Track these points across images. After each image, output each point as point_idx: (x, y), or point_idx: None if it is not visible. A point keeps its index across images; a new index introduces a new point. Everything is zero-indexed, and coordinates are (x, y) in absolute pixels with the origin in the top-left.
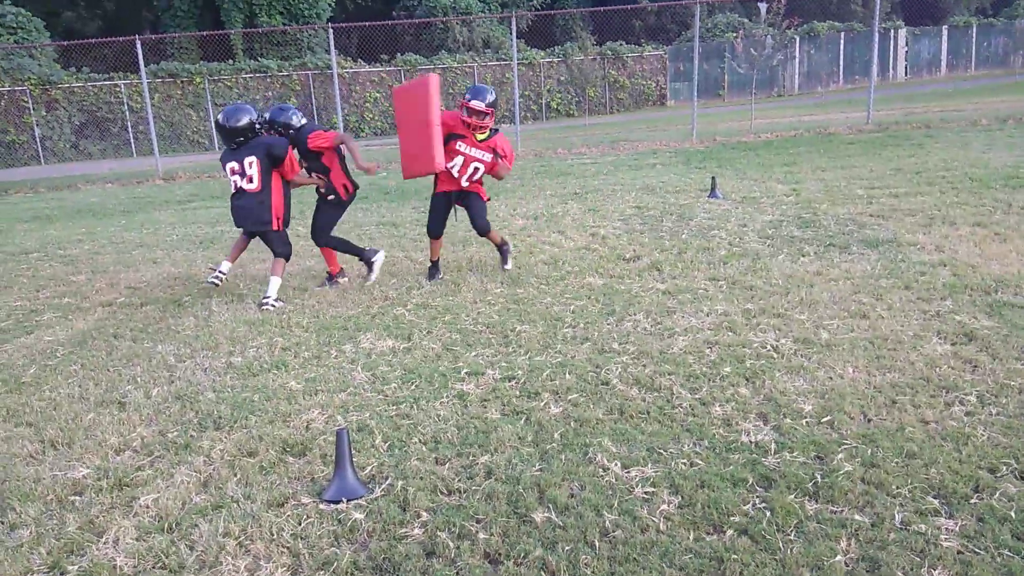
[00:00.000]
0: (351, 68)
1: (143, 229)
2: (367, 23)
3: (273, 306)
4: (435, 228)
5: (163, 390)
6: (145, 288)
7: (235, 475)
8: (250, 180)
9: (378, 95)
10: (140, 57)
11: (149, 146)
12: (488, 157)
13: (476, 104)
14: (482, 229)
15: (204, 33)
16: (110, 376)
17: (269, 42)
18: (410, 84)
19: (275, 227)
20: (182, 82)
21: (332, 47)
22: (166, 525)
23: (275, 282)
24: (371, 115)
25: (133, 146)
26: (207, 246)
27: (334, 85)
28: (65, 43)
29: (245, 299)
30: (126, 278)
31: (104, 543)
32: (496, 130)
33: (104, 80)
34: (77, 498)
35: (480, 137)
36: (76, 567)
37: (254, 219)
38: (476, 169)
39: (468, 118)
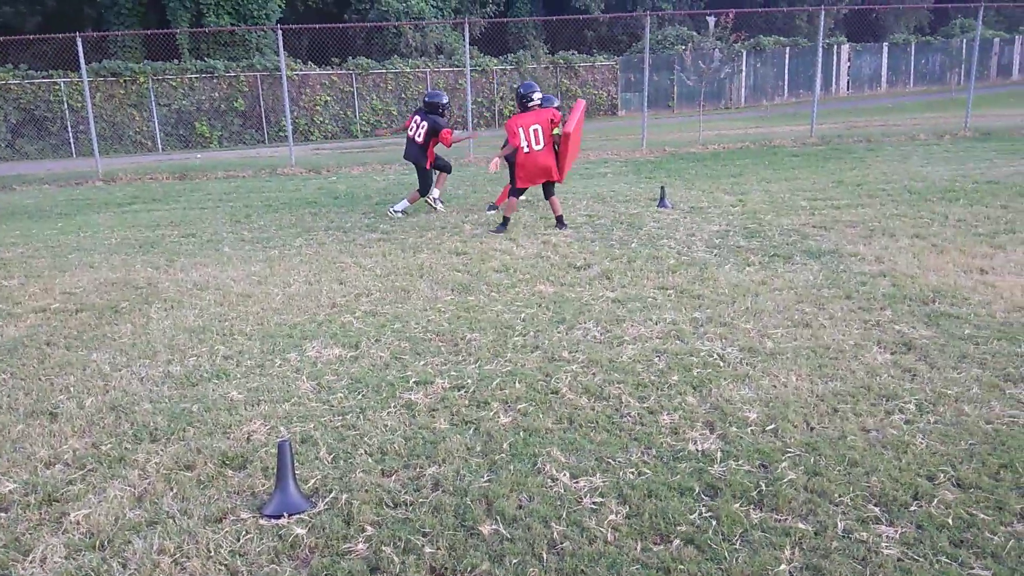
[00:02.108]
0: (301, 70)
1: (81, 232)
2: (318, 25)
3: (440, 205)
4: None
5: (97, 400)
6: (81, 293)
7: (171, 489)
8: (418, 135)
9: (328, 98)
10: (81, 55)
11: (89, 146)
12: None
13: (530, 94)
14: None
15: (149, 32)
16: (41, 385)
17: (216, 42)
18: (576, 128)
19: (427, 167)
20: (125, 81)
21: (281, 49)
22: (98, 542)
23: (422, 198)
24: (321, 118)
25: (73, 146)
26: (147, 250)
27: (283, 87)
28: (2, 38)
29: (184, 306)
30: (61, 283)
31: (31, 562)
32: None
33: (43, 78)
34: (2, 515)
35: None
36: None
37: (414, 158)
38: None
39: (529, 105)
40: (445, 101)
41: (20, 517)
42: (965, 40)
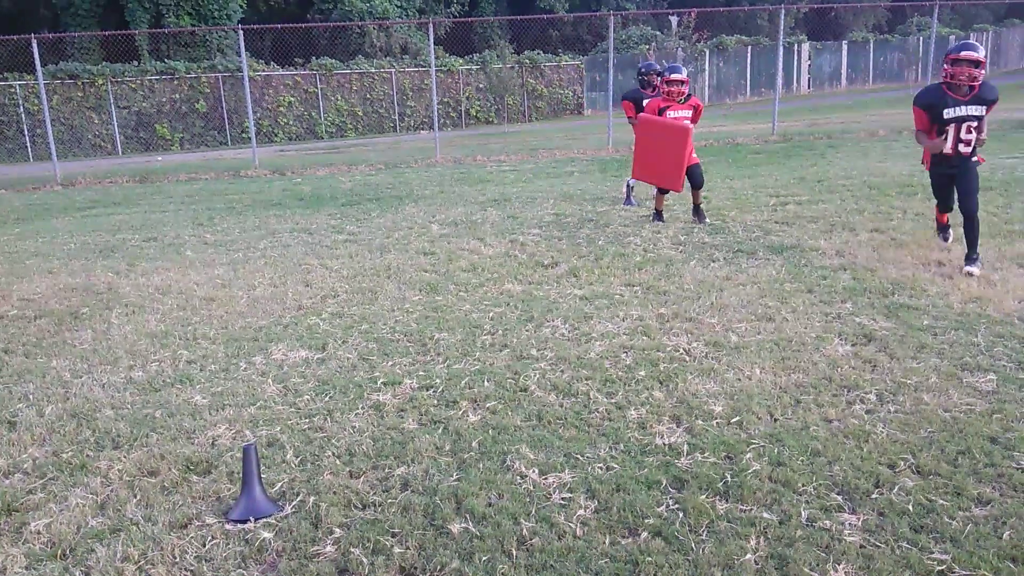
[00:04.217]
0: (263, 71)
1: (39, 237)
2: (280, 25)
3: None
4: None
5: (57, 408)
6: (39, 300)
7: (135, 496)
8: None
9: (292, 99)
10: (37, 57)
11: (47, 150)
12: (690, 113)
13: (675, 76)
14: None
15: (107, 33)
16: None
17: (177, 43)
18: (668, 124)
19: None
20: (83, 83)
21: (243, 49)
22: (59, 551)
23: None
24: (285, 120)
25: (30, 150)
26: (107, 255)
27: (245, 88)
28: None
29: (146, 311)
30: (19, 289)
31: None
32: (691, 95)
33: None
34: None
35: (680, 101)
36: None
37: None
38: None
39: (668, 88)
40: (642, 68)
41: None
42: (922, 38)
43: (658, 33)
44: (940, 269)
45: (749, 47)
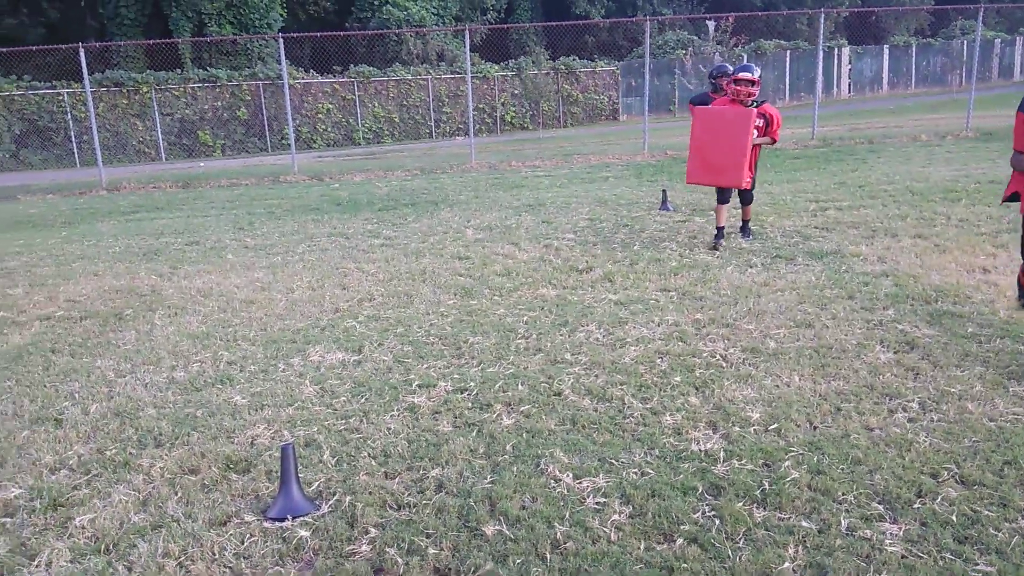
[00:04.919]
0: (303, 79)
1: (85, 241)
2: (319, 34)
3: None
4: None
5: (102, 406)
6: (85, 301)
7: (176, 493)
8: None
9: (331, 106)
10: (84, 65)
11: (93, 156)
12: (760, 122)
13: (744, 75)
14: (745, 199)
15: (151, 42)
16: (46, 392)
17: (219, 52)
18: (725, 111)
19: None
20: (128, 91)
21: (283, 57)
22: (103, 546)
23: None
24: (323, 126)
25: (76, 156)
26: (151, 258)
27: (285, 96)
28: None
29: (188, 313)
30: (65, 291)
31: (36, 566)
32: (763, 101)
33: (47, 89)
34: (8, 520)
35: (750, 104)
36: None
37: None
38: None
39: (737, 87)
40: (713, 71)
41: (26, 522)
42: (966, 41)
43: (695, 38)
44: (985, 276)
45: (788, 51)
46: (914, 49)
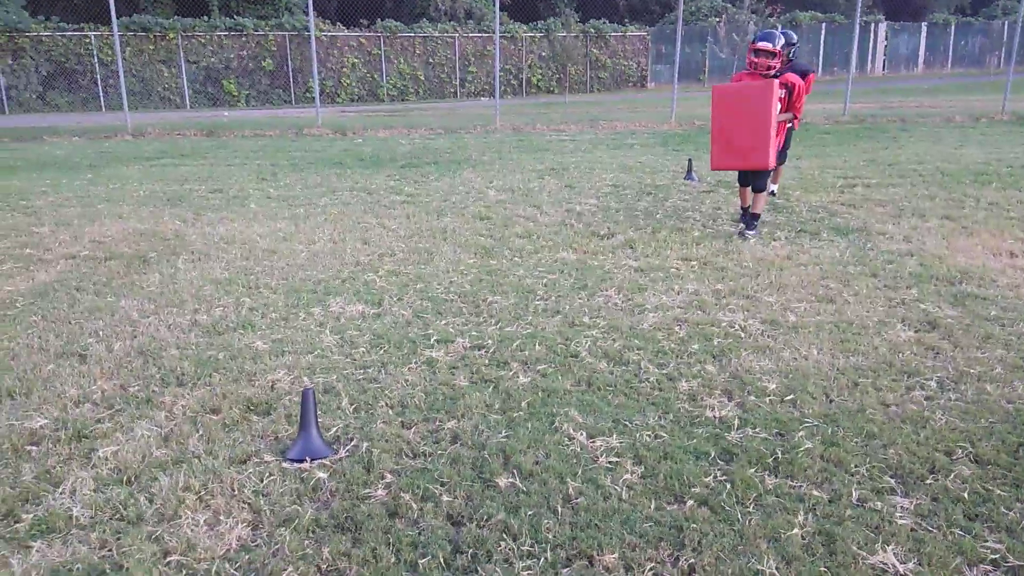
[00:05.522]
0: (329, 31)
1: (109, 184)
2: None
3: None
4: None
5: (125, 344)
6: (110, 243)
7: (197, 431)
8: None
9: (356, 60)
10: (112, 8)
11: (119, 100)
12: (783, 92)
13: (761, 44)
14: (756, 186)
15: None
16: (71, 328)
17: (246, 0)
18: (743, 87)
19: None
20: (155, 37)
21: (311, 8)
22: (125, 478)
23: None
24: (348, 80)
25: (102, 100)
26: (175, 203)
27: (311, 48)
28: None
29: (210, 258)
30: (90, 232)
31: (61, 493)
32: (787, 70)
33: (74, 31)
34: (34, 448)
35: (771, 77)
36: (31, 515)
37: None
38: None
39: (755, 58)
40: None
41: (50, 451)
42: (1007, 22)
43: (729, 5)
44: (1012, 260)
45: (823, 24)
46: (953, 28)
